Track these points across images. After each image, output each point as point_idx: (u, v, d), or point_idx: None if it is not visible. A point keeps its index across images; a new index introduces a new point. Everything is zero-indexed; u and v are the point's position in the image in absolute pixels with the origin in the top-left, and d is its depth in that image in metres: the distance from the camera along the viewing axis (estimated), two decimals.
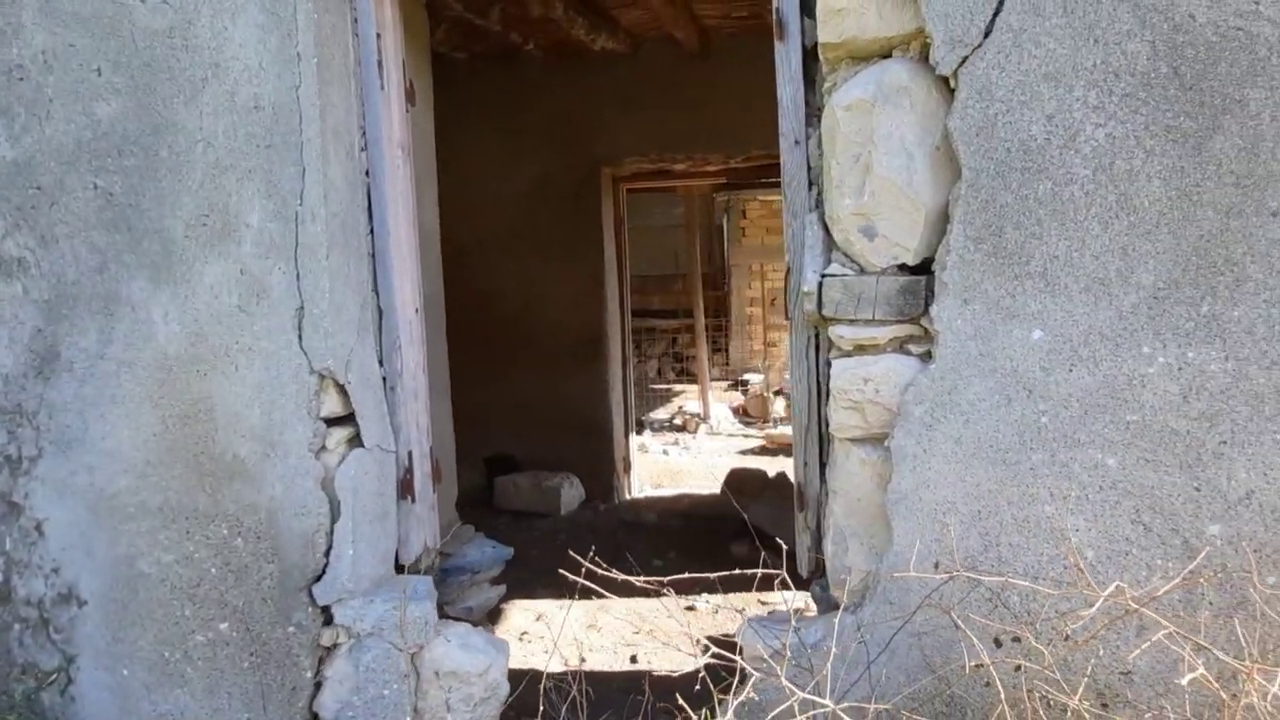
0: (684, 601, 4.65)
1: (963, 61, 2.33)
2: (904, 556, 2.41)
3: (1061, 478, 2.35)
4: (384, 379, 2.90)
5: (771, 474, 6.32)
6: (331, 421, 2.78)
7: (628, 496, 7.17)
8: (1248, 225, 2.20)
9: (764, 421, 10.83)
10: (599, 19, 5.59)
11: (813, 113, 2.70)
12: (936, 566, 2.37)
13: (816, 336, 2.70)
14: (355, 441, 2.83)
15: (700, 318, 11.33)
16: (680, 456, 9.29)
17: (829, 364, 2.67)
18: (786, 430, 10.06)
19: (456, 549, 3.23)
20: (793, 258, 2.71)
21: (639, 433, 9.28)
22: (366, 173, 2.85)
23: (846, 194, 2.48)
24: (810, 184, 2.67)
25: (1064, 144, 2.29)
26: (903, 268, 2.50)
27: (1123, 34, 2.24)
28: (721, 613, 4.52)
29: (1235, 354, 2.23)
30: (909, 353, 2.50)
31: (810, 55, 2.70)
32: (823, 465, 2.73)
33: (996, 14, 2.33)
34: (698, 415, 10.82)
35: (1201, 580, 2.24)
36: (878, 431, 2.52)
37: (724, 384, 12.75)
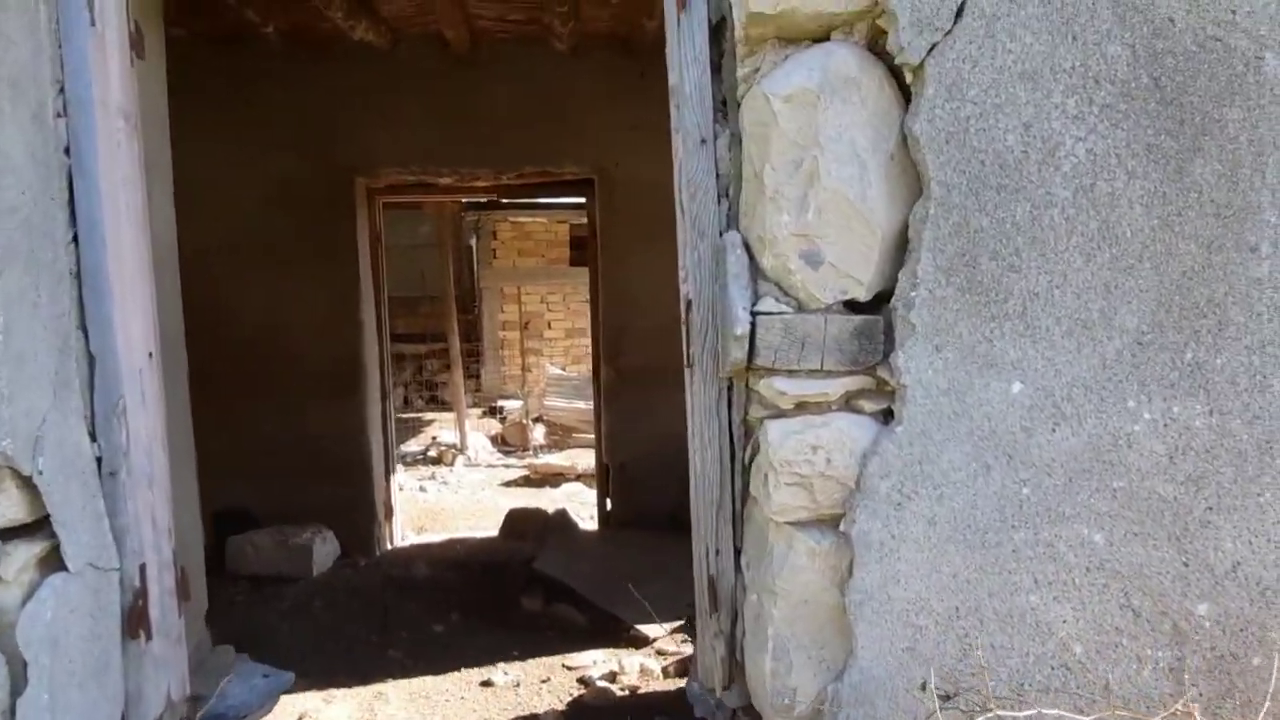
0: (478, 674, 3.38)
1: (932, 49, 1.51)
2: (872, 672, 1.51)
3: (1046, 560, 1.57)
4: (99, 460, 1.51)
5: (550, 510, 5.10)
6: (9, 534, 1.34)
7: (390, 546, 5.55)
8: (1229, 261, 1.57)
9: (524, 450, 9.48)
10: (358, 3, 4.15)
11: (717, 106, 1.71)
12: (924, 688, 1.47)
13: (730, 389, 1.70)
14: (53, 562, 1.40)
15: (455, 342, 9.76)
16: (440, 493, 7.69)
17: (744, 425, 1.69)
18: (551, 460, 8.78)
19: (214, 688, 1.83)
20: (696, 289, 1.73)
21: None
22: (67, 149, 1.46)
23: (785, 209, 1.54)
24: (720, 195, 1.68)
25: (1043, 159, 1.53)
26: (851, 305, 1.59)
27: (1102, 34, 1.53)
28: (524, 686, 3.31)
29: (1219, 407, 1.58)
30: (860, 411, 1.60)
31: (714, 33, 1.71)
32: (738, 552, 1.74)
33: None
34: (454, 446, 9.20)
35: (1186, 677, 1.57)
36: (828, 512, 1.61)
37: (478, 411, 11.10)
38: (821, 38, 1.81)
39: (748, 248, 1.82)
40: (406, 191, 6.30)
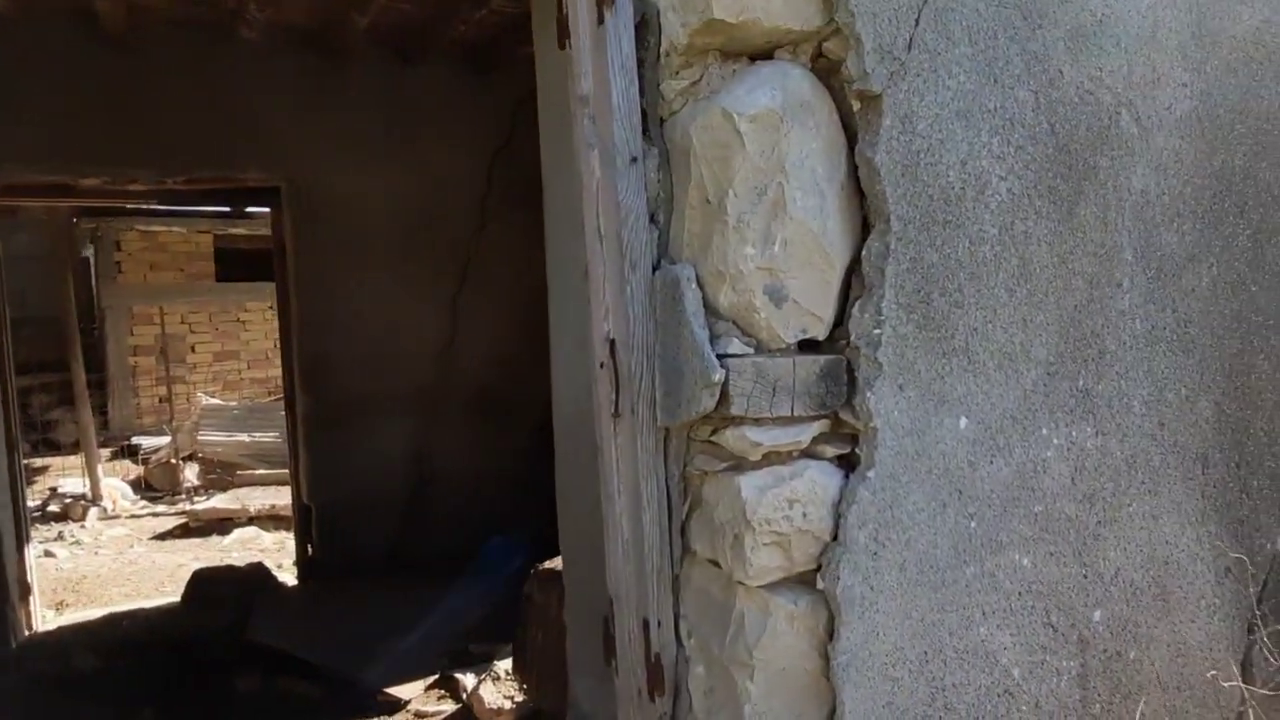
0: None
1: (891, 77, 1.45)
2: None
3: (990, 590, 1.61)
4: None
5: (241, 564, 4.28)
6: None
7: (30, 633, 4.27)
8: (1105, 295, 1.74)
9: (176, 494, 7.77)
10: None
11: (651, 120, 1.53)
12: None
13: (667, 440, 1.52)
14: None
15: (80, 372, 7.72)
16: (76, 557, 6.13)
17: (683, 480, 1.52)
18: (215, 503, 7.29)
19: None
20: (626, 328, 1.55)
21: None
22: None
23: (749, 240, 1.41)
24: (651, 218, 1.50)
25: (976, 196, 1.58)
26: (806, 345, 1.50)
27: (1015, 78, 1.62)
28: None
29: (1101, 429, 1.74)
30: (821, 457, 1.51)
31: (638, 41, 1.53)
32: (677, 618, 1.56)
33: (916, 24, 1.50)
34: (83, 497, 7.29)
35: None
36: (801, 569, 1.50)
37: (107, 452, 8.89)
38: (764, 55, 1.66)
39: (699, 284, 1.60)
40: (35, 194, 5.10)
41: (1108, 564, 1.88)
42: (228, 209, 9.50)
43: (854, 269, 1.66)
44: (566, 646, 2.45)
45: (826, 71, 1.65)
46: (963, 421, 1.68)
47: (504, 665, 3.74)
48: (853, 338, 1.62)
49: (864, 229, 1.68)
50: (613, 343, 1.67)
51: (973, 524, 1.70)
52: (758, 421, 1.53)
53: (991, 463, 1.72)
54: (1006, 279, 1.74)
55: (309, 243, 5.36)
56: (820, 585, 1.56)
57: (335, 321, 5.37)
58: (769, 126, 1.53)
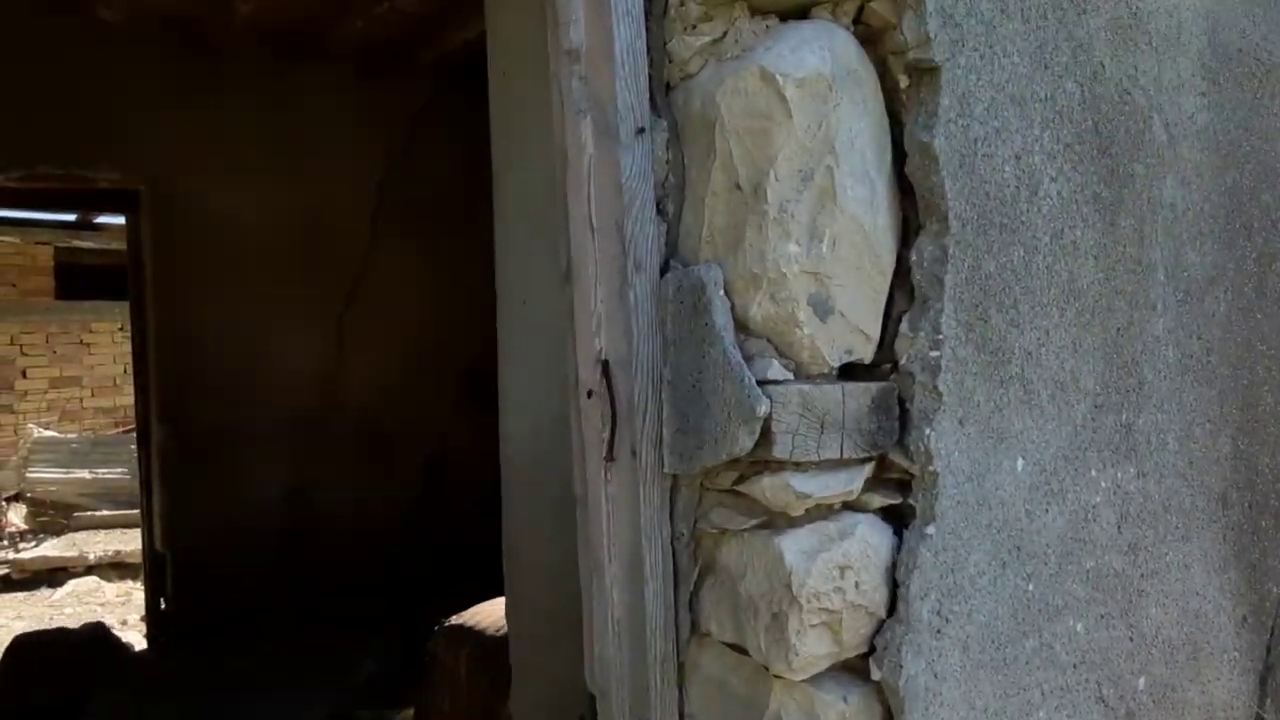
0: None
1: (953, 48, 1.18)
2: None
3: (1048, 665, 1.34)
4: None
5: (75, 626, 3.58)
6: None
7: None
8: (1142, 318, 1.52)
9: None
10: None
11: (656, 85, 1.19)
12: None
13: (674, 490, 1.17)
14: None
15: None
16: None
17: (693, 541, 1.17)
18: (46, 550, 6.19)
19: None
20: (627, 346, 1.21)
21: None
22: None
23: (793, 236, 1.10)
24: (659, 208, 1.16)
25: (1029, 197, 1.32)
26: (848, 369, 1.18)
27: (1063, 66, 1.38)
28: None
29: (1142, 469, 1.52)
30: (867, 509, 1.19)
31: None
32: (682, 715, 1.20)
33: None
34: None
35: None
36: (851, 654, 1.16)
37: None
38: (797, 14, 1.33)
39: (726, 290, 1.25)
40: None
41: (1150, 623, 1.62)
42: (72, 217, 8.50)
43: (897, 278, 1.34)
44: None
45: (866, 39, 1.34)
46: (1020, 463, 1.38)
47: None
48: (903, 361, 1.29)
49: (903, 230, 1.36)
50: (606, 364, 1.28)
51: (1030, 586, 1.39)
52: (801, 466, 1.17)
53: (1047, 511, 1.43)
54: (1058, 295, 1.46)
55: (172, 253, 4.69)
56: (876, 675, 1.21)
57: (200, 341, 4.71)
58: (818, 95, 1.19)
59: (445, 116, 5.18)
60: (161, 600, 5.00)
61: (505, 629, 3.14)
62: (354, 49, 4.50)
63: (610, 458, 1.29)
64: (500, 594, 2.66)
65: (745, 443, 1.15)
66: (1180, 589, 1.70)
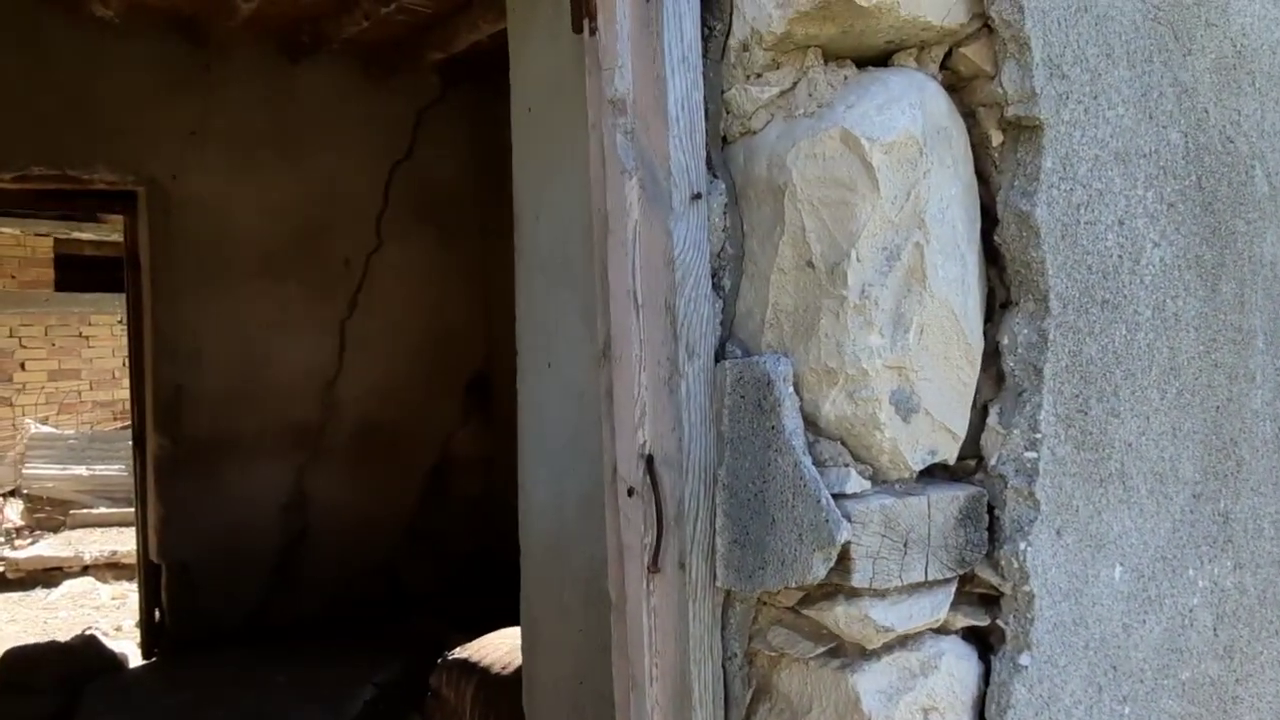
0: None
1: (1059, 101, 0.99)
2: None
3: None
4: None
5: (66, 638, 3.42)
6: None
7: None
8: (1241, 393, 1.34)
9: None
10: None
11: (711, 141, 0.99)
12: None
13: (725, 606, 0.98)
14: None
15: None
16: None
17: (747, 661, 0.99)
18: (41, 550, 6.09)
19: None
20: (676, 442, 1.03)
21: None
22: None
23: (876, 326, 0.91)
24: (715, 282, 0.97)
25: (1132, 267, 1.14)
26: (930, 471, 1.00)
27: (1168, 115, 1.19)
28: None
29: (1239, 561, 1.34)
30: (950, 631, 1.00)
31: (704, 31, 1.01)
32: None
33: (1079, 31, 1.05)
34: None
35: None
36: None
37: None
38: (878, 61, 1.14)
39: (795, 383, 1.06)
40: None
41: None
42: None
43: (983, 365, 1.16)
44: None
45: (953, 85, 1.15)
46: (1118, 571, 1.21)
47: None
48: (993, 462, 1.11)
49: (988, 303, 1.18)
50: (651, 460, 1.10)
51: (1126, 709, 1.22)
52: (883, 594, 0.99)
53: (1144, 623, 1.25)
54: (1158, 376, 1.28)
55: (169, 257, 4.51)
56: None
57: (198, 349, 4.53)
58: (907, 161, 1.00)
59: (453, 117, 4.99)
60: (156, 611, 4.84)
61: (512, 665, 2.97)
62: (359, 47, 4.31)
63: (655, 568, 1.11)
64: (506, 607, 2.49)
65: (819, 570, 0.97)
66: (1274, 690, 1.53)
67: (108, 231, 9.17)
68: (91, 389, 9.72)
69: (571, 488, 1.46)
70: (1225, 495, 1.42)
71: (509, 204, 1.65)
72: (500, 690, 2.92)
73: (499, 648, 3.19)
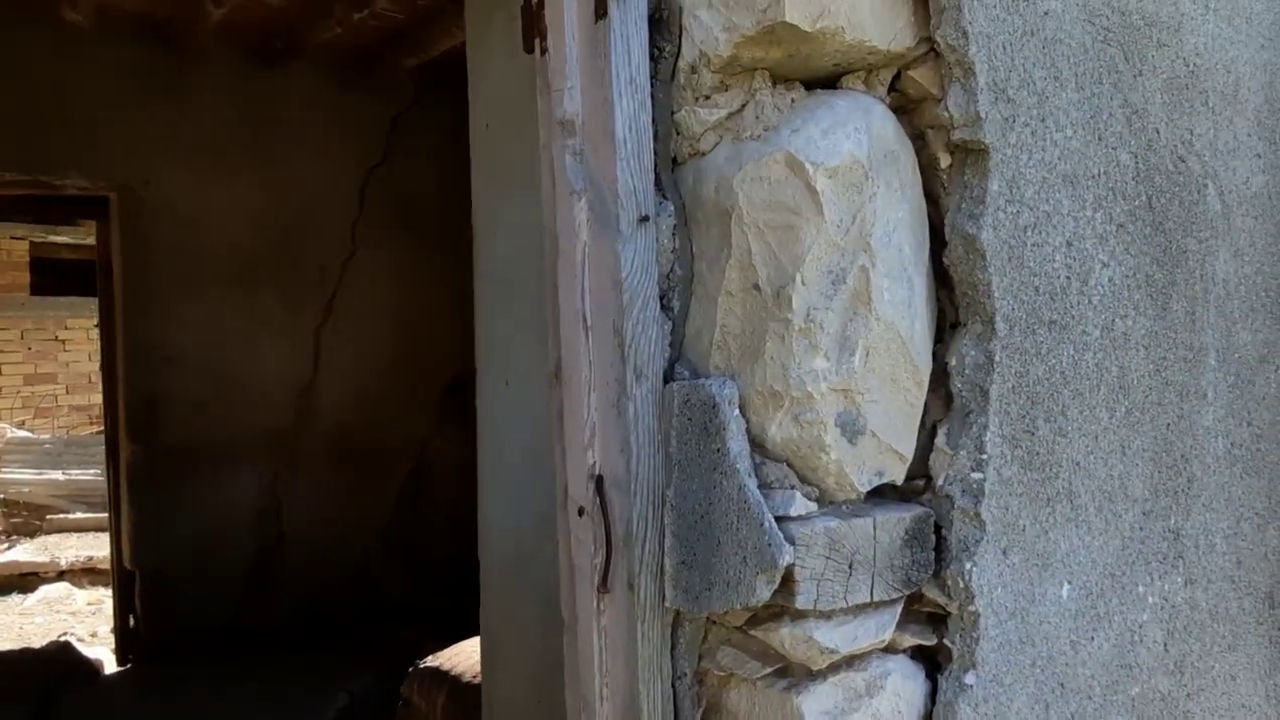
0: None
1: (1005, 125, 1.00)
2: None
3: None
4: None
5: (41, 643, 3.41)
6: None
7: None
8: (1192, 410, 1.36)
9: None
10: None
11: (661, 162, 1.00)
12: None
13: (676, 625, 0.99)
14: None
15: None
16: None
17: (696, 681, 0.99)
18: (16, 555, 6.08)
19: None
20: (625, 464, 1.04)
21: None
22: None
23: (821, 349, 0.92)
24: (664, 304, 0.98)
25: (1080, 287, 1.16)
26: (877, 492, 1.01)
27: (1118, 136, 1.21)
28: None
29: (1190, 576, 1.36)
30: (897, 650, 1.01)
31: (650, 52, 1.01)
32: None
33: (1025, 55, 1.06)
34: None
35: None
36: None
37: None
38: (825, 83, 1.14)
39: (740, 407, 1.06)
40: None
41: None
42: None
43: (931, 380, 1.16)
44: None
45: (901, 108, 1.15)
46: (1065, 589, 1.21)
47: None
48: (939, 482, 1.11)
49: (937, 323, 1.18)
50: (600, 481, 1.10)
51: None
52: (828, 615, 0.99)
53: (1093, 639, 1.26)
54: (1107, 395, 1.29)
55: (142, 263, 4.47)
56: None
57: (171, 355, 4.49)
58: (853, 185, 1.01)
59: (428, 123, 4.97)
60: (130, 618, 4.80)
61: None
62: (333, 53, 4.28)
63: (605, 588, 1.10)
64: (480, 620, 2.48)
65: (763, 593, 0.97)
66: (1226, 703, 1.54)
67: (84, 235, 9.07)
68: (68, 393, 9.62)
69: (529, 507, 1.46)
70: (1176, 512, 1.43)
71: None
72: (470, 699, 2.91)
73: (470, 656, 3.17)
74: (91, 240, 7.53)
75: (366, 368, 4.98)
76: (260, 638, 4.57)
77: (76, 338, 9.63)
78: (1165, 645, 1.41)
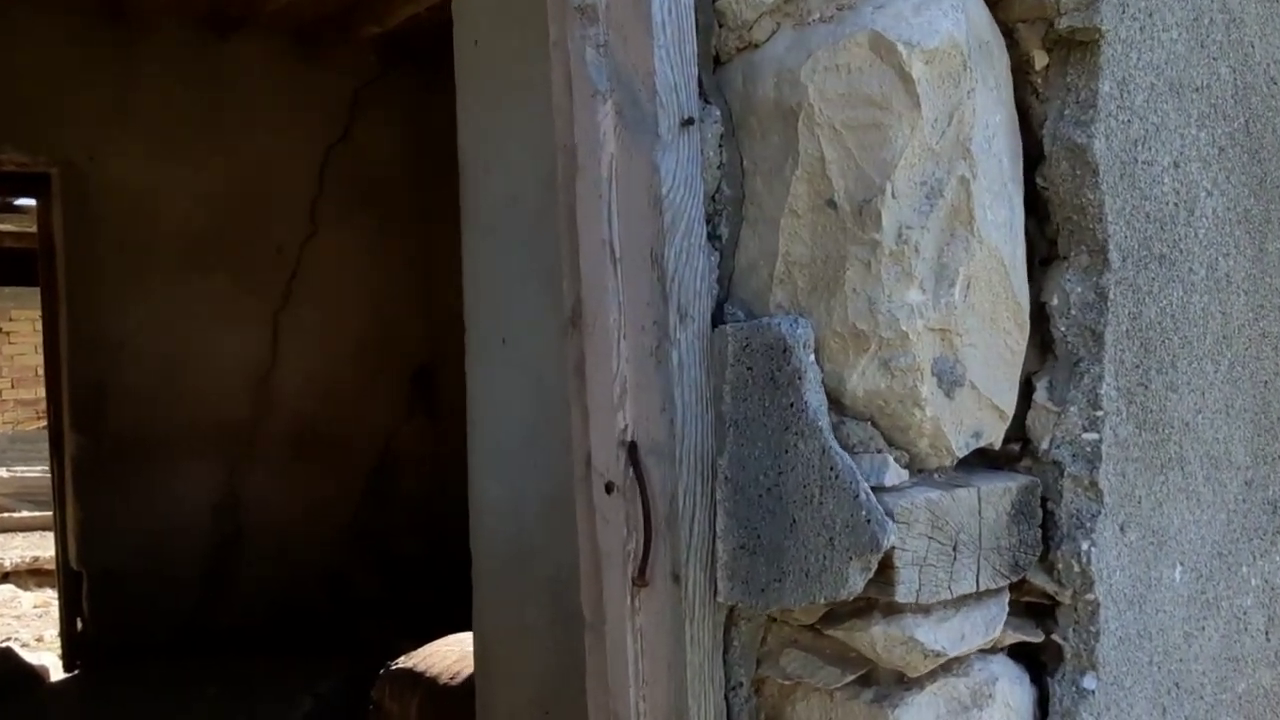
0: None
1: (1120, 10, 0.78)
2: None
3: None
4: None
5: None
6: None
7: None
8: None
9: None
10: None
11: (701, 62, 0.76)
12: None
13: (729, 624, 0.75)
14: None
15: None
16: None
17: (754, 689, 0.76)
18: None
19: None
20: (667, 425, 0.79)
21: None
22: None
23: (917, 278, 0.67)
24: (710, 232, 0.74)
25: (1187, 219, 0.97)
26: (965, 461, 0.79)
27: (1218, 46, 1.03)
28: None
29: None
30: (998, 649, 0.79)
31: None
32: None
33: None
34: None
35: None
36: None
37: None
38: None
39: (817, 355, 0.84)
40: None
41: None
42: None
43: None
44: None
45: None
46: (1178, 571, 1.01)
47: None
48: (1044, 446, 0.91)
49: (1030, 262, 0.97)
50: (634, 448, 0.87)
51: None
52: (926, 609, 0.77)
53: (1203, 630, 1.06)
54: (1212, 345, 1.09)
55: (87, 243, 4.14)
56: None
57: (119, 342, 4.18)
58: (949, 75, 0.79)
59: (393, 97, 4.69)
60: (78, 621, 4.47)
61: (460, 675, 2.71)
62: (290, 22, 3.99)
63: (642, 580, 0.88)
64: (456, 611, 2.25)
65: (856, 583, 0.75)
66: None
67: (28, 223, 8.60)
68: (13, 387, 9.15)
69: (532, 486, 1.22)
70: (1274, 481, 1.24)
71: (452, 188, 1.42)
72: (449, 703, 2.67)
73: (446, 656, 2.93)
74: (35, 229, 7.10)
75: (328, 355, 4.70)
76: (219, 640, 4.28)
77: (23, 329, 9.16)
78: (1267, 633, 1.22)
